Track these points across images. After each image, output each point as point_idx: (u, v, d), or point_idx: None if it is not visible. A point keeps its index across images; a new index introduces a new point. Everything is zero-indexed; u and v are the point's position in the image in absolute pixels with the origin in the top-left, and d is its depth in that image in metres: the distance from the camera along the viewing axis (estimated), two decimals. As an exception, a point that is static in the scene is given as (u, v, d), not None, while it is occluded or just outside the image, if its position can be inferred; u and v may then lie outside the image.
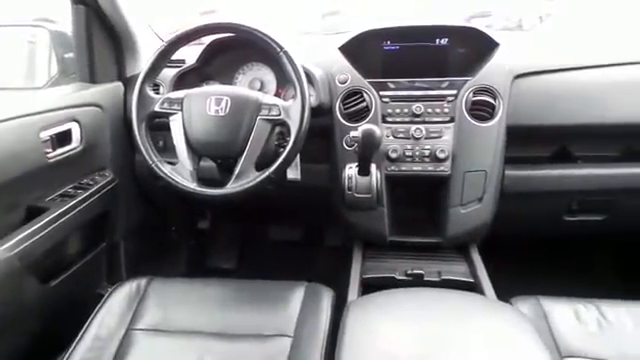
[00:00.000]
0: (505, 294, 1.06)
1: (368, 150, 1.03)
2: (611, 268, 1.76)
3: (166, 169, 1.04)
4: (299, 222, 1.93)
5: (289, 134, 1.01)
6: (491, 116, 1.20)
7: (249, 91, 1.07)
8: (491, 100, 1.20)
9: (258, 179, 1.00)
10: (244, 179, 1.01)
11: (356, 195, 1.09)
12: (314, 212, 1.65)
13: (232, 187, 1.01)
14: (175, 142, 1.05)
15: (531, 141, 1.32)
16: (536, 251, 1.68)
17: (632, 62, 1.27)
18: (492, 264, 1.20)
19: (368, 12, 2.74)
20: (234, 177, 1.01)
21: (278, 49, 1.03)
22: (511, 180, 1.27)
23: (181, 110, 1.04)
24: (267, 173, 1.01)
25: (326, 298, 1.03)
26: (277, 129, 1.08)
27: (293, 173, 1.24)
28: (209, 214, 1.91)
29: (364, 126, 0.99)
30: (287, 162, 1.02)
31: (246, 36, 1.06)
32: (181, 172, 1.04)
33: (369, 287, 1.11)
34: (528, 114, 1.24)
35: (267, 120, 1.02)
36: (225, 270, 1.89)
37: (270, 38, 1.03)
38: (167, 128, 1.06)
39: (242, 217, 1.96)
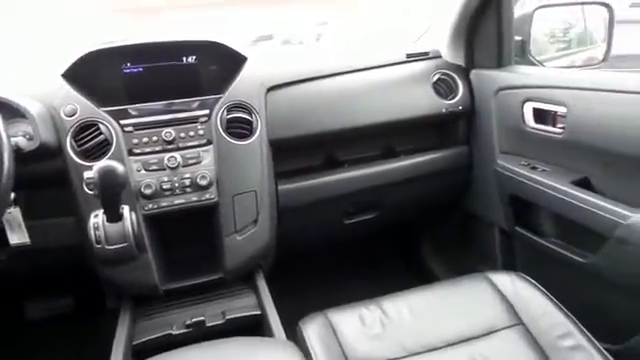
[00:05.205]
0: (296, 316, 0.99)
1: (110, 191, 0.86)
2: (392, 260, 1.91)
3: None
4: (65, 289, 1.58)
5: None
6: (250, 133, 1.14)
7: None
8: (246, 116, 1.14)
9: None
10: None
11: (108, 247, 0.89)
12: (77, 274, 1.35)
13: None
14: None
15: (298, 152, 1.32)
16: (324, 263, 1.70)
17: (377, 66, 1.37)
18: (282, 287, 1.13)
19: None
20: None
21: None
22: (285, 195, 1.23)
23: None
24: None
25: None
26: None
27: (17, 237, 0.96)
28: None
29: (99, 164, 0.83)
30: None
31: None
32: None
33: (144, 354, 0.91)
34: (288, 125, 1.22)
35: None
36: None
37: None
38: None
39: None
